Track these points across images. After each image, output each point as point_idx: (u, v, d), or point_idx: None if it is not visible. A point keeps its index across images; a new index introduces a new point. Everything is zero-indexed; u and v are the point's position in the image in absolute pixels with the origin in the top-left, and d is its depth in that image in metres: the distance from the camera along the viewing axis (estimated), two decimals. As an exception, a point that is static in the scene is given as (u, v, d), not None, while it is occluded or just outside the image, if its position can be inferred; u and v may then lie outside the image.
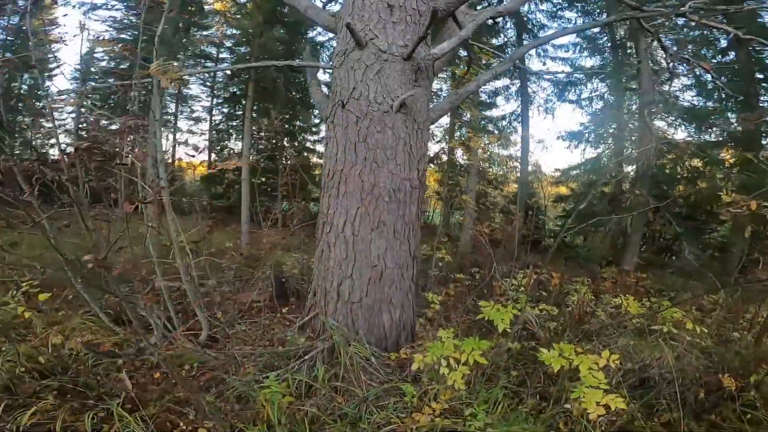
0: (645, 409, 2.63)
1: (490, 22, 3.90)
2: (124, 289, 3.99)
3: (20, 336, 3.22)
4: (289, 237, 7.34)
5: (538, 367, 2.97)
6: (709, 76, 9.01)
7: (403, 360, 3.16)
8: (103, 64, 12.92)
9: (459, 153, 12.27)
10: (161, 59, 3.00)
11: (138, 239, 3.75)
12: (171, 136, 16.85)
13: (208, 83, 14.85)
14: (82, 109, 15.01)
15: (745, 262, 6.66)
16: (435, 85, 12.90)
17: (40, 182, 2.89)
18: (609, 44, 10.80)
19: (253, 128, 12.71)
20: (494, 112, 12.70)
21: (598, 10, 10.47)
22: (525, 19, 10.78)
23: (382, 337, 3.36)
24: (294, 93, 11.14)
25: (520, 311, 3.84)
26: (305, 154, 13.61)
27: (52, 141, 15.38)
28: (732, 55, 9.04)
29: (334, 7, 4.57)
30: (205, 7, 10.04)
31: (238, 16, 9.76)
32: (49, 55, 13.20)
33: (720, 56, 9.11)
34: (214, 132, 15.95)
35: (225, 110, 15.14)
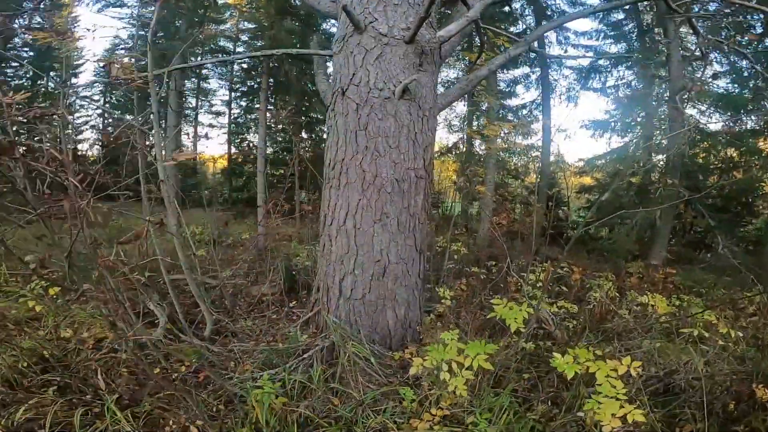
0: (667, 419, 2.40)
1: (506, 8, 3.65)
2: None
3: (32, 329, 3.24)
4: (302, 228, 7.30)
5: (552, 370, 2.76)
6: (745, 62, 8.38)
7: (407, 360, 3.02)
8: (126, 60, 13.14)
9: (478, 143, 11.94)
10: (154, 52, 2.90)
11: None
12: (192, 130, 17.17)
13: (225, 77, 14.96)
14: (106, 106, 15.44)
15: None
16: (452, 74, 12.55)
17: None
18: (635, 31, 10.19)
19: (272, 121, 12.75)
20: (514, 102, 12.31)
21: (623, -7, 9.85)
22: (544, 5, 10.26)
23: (386, 335, 3.22)
24: (310, 85, 11.05)
25: (536, 309, 3.63)
26: (322, 146, 13.53)
27: (80, 137, 15.93)
28: (768, 41, 8.34)
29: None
30: (220, 0, 10.01)
31: (253, 10, 9.69)
32: (72, 53, 13.58)
33: (756, 44, 8.42)
34: (233, 125, 16.11)
35: (243, 104, 15.25)
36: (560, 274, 5.75)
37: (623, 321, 3.89)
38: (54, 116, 3.23)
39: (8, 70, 11.44)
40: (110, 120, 15.70)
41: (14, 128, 2.59)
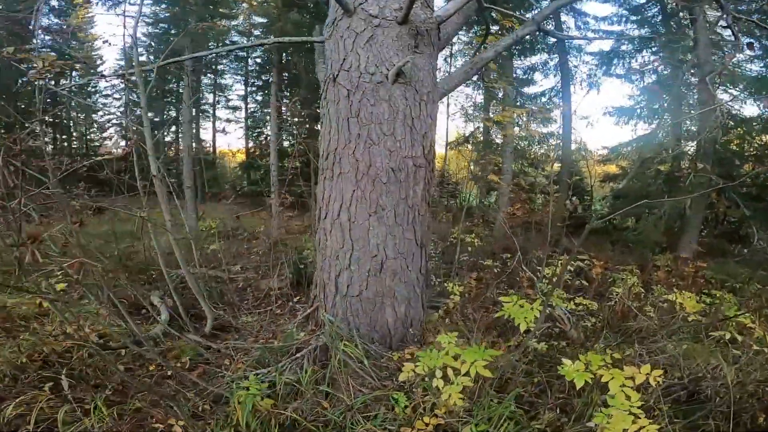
0: (688, 431, 2.16)
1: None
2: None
3: (40, 325, 3.24)
4: (312, 221, 7.20)
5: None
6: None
7: (407, 360, 2.86)
8: (143, 58, 13.34)
9: (496, 132, 11.55)
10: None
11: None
12: (210, 125, 17.38)
13: (240, 73, 15.02)
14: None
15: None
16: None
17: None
18: (659, 15, 9.56)
19: (288, 114, 12.71)
20: (532, 89, 11.86)
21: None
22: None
23: (386, 334, 3.06)
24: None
25: (546, 307, 3.38)
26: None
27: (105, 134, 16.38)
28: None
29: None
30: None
31: (264, 3, 9.60)
32: (93, 53, 13.91)
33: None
34: (249, 119, 16.21)
35: (258, 98, 15.29)
36: (581, 267, 5.44)
37: (647, 320, 3.59)
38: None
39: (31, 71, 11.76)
40: (131, 118, 16.06)
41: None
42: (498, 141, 11.19)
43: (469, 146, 12.75)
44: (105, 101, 15.99)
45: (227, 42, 12.77)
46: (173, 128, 15.08)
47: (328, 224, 2.99)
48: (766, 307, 3.90)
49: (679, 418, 2.20)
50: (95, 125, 16.87)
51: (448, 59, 12.41)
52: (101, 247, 4.97)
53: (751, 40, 8.17)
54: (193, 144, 15.66)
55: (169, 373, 2.91)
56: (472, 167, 10.74)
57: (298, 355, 2.75)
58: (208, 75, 15.51)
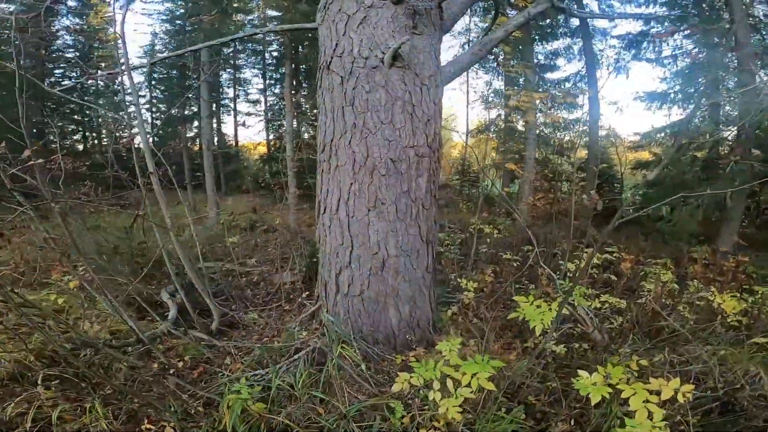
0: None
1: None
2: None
3: (56, 322, 3.27)
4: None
5: (582, 379, 2.30)
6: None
7: (409, 364, 2.69)
8: (162, 55, 13.57)
9: (518, 118, 11.10)
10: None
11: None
12: (232, 119, 17.61)
13: (258, 67, 15.05)
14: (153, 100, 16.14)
15: None
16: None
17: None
18: None
19: (307, 106, 12.66)
20: (555, 75, 11.36)
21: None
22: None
23: (390, 335, 2.90)
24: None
25: (570, 305, 3.12)
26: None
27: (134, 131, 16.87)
28: None
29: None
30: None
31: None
32: (116, 52, 14.22)
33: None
34: (269, 112, 16.29)
35: (276, 91, 15.31)
36: (609, 260, 5.09)
37: (681, 320, 3.27)
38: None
39: (56, 72, 12.20)
40: (158, 114, 16.46)
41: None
42: (520, 128, 10.73)
43: (491, 134, 12.33)
44: (130, 99, 16.38)
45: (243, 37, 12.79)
46: (195, 123, 15.35)
47: (326, 220, 2.84)
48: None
49: (710, 432, 1.95)
50: (123, 122, 17.38)
51: (465, 46, 12.00)
52: (117, 242, 5.05)
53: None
54: (215, 138, 15.91)
55: (171, 371, 2.88)
56: (493, 155, 10.35)
57: (296, 356, 2.63)
58: (228, 70, 15.65)
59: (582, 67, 10.37)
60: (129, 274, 4.23)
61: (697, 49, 9.17)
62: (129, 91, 3.07)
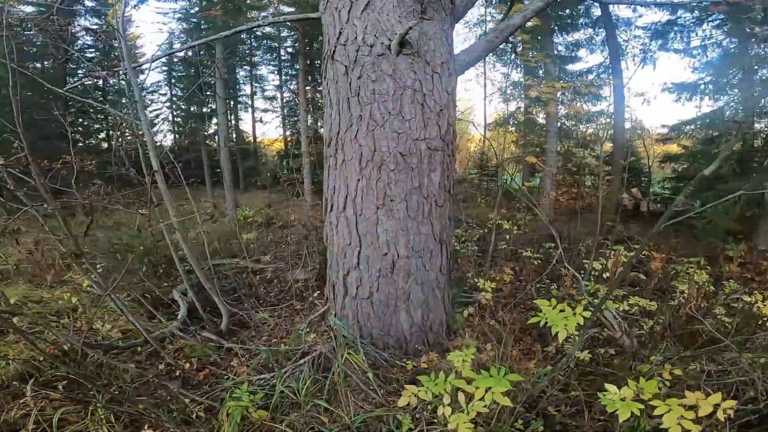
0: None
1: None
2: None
3: (70, 321, 3.27)
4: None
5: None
6: None
7: (421, 370, 2.54)
8: (180, 54, 13.72)
9: (538, 111, 10.71)
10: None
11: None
12: (249, 116, 17.73)
13: (273, 63, 15.06)
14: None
15: None
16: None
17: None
18: None
19: (321, 101, 12.57)
20: (577, 66, 10.92)
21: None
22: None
23: (401, 339, 2.75)
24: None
25: (594, 310, 2.90)
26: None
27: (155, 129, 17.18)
28: None
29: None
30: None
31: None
32: (136, 51, 14.48)
33: None
34: (286, 108, 16.32)
35: (292, 87, 15.30)
36: (639, 258, 4.80)
37: (717, 324, 3.01)
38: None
39: (79, 72, 12.48)
40: (178, 111, 16.72)
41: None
42: (541, 120, 10.34)
43: (510, 127, 11.97)
44: (152, 97, 16.71)
45: (257, 33, 12.77)
46: (214, 120, 15.51)
47: (333, 218, 2.70)
48: None
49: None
50: (129, 120, 17.69)
51: (481, 37, 11.66)
52: (130, 241, 5.07)
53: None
54: (233, 134, 16.04)
55: (177, 373, 2.82)
56: (512, 149, 10.01)
57: (302, 361, 2.51)
58: (244, 67, 15.72)
59: (606, 58, 9.94)
60: (142, 272, 4.23)
61: (728, 39, 8.65)
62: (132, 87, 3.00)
